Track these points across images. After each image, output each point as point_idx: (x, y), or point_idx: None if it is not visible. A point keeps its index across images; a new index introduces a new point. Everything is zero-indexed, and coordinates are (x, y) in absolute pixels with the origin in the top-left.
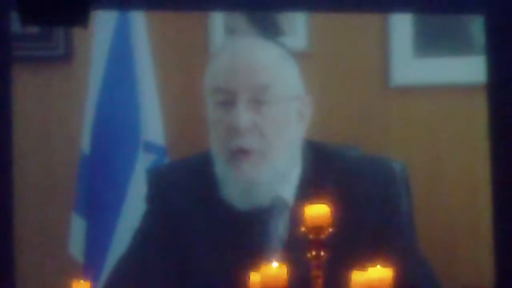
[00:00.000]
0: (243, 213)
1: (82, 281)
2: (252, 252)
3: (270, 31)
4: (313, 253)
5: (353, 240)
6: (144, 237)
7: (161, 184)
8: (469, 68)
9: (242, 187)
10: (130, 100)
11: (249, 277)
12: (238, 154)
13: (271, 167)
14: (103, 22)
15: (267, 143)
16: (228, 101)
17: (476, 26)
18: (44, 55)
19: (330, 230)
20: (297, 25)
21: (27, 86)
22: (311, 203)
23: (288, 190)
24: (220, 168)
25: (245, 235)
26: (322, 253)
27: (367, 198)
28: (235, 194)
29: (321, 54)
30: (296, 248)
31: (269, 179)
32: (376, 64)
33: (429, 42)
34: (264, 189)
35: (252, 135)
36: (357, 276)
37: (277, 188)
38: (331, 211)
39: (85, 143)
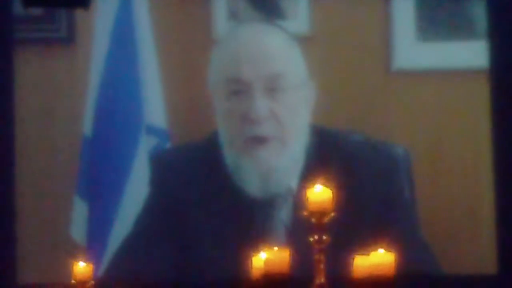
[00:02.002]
0: (249, 199)
1: (84, 263)
2: (255, 236)
3: (272, 15)
4: (316, 237)
5: (355, 225)
6: (147, 220)
7: (164, 168)
8: (472, 53)
9: (261, 174)
10: (133, 83)
11: (252, 260)
12: (255, 141)
13: (288, 153)
14: (106, 4)
15: (284, 129)
16: (243, 90)
17: (478, 10)
18: (47, 37)
19: (333, 214)
20: (299, 9)
21: (29, 68)
22: (313, 187)
23: (292, 176)
24: (233, 156)
25: (249, 221)
26: (324, 237)
27: (369, 183)
28: (253, 182)
29: (323, 38)
30: (299, 233)
31: (287, 165)
32: (379, 48)
33: (431, 26)
34: (282, 175)
35: (270, 123)
36: (360, 260)
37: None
38: (333, 195)
39: (87, 126)
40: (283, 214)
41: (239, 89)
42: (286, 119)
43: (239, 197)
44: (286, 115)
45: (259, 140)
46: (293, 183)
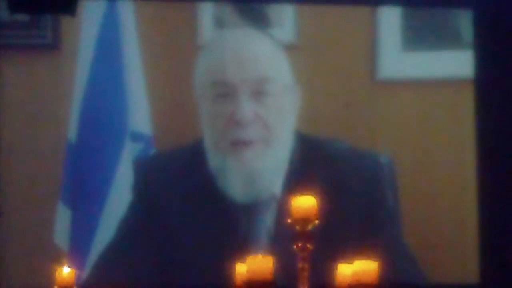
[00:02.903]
0: (233, 205)
1: (67, 269)
2: (239, 243)
3: (258, 23)
4: (300, 245)
5: (339, 233)
6: (130, 226)
7: (148, 174)
8: (457, 62)
9: (245, 177)
10: (118, 89)
11: (235, 267)
12: (240, 144)
13: (273, 157)
14: (91, 11)
15: (270, 133)
16: (228, 93)
17: (464, 20)
18: (32, 43)
19: (316, 222)
20: (285, 17)
21: (14, 74)
22: (297, 195)
23: (276, 182)
24: (217, 160)
25: (232, 226)
26: (308, 245)
27: (353, 191)
28: (236, 185)
29: (309, 46)
30: (282, 240)
31: (271, 168)
32: (364, 57)
33: (417, 36)
34: (266, 178)
35: (255, 126)
36: (343, 268)
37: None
38: (317, 203)
39: (72, 132)
40: (267, 220)
41: (225, 92)
42: (271, 123)
43: (222, 202)
44: (272, 119)
45: (244, 143)
46: (277, 189)
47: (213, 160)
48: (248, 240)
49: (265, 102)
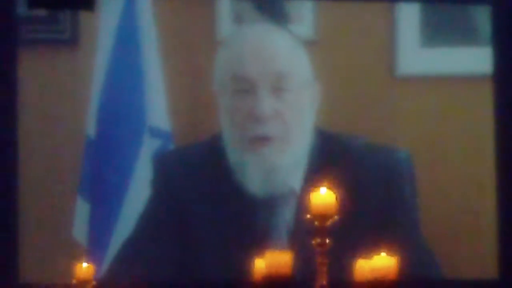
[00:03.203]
0: (252, 200)
1: (85, 264)
2: (258, 238)
3: (277, 18)
4: (318, 240)
5: (358, 228)
6: (149, 222)
7: (167, 170)
8: (476, 59)
9: (264, 172)
10: (136, 85)
11: (254, 263)
12: (259, 141)
13: (292, 153)
14: (110, 6)
15: (288, 129)
16: (248, 89)
17: (483, 16)
18: (51, 39)
19: (336, 217)
20: (304, 13)
21: (33, 69)
22: (317, 191)
23: (295, 178)
24: (237, 154)
25: (252, 222)
26: (327, 240)
27: (372, 187)
28: (255, 180)
29: (328, 42)
30: (302, 234)
31: (290, 164)
32: (383, 54)
33: (436, 32)
34: (285, 174)
35: (274, 122)
36: (362, 263)
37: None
38: (336, 199)
39: (90, 127)
40: (286, 215)
41: (244, 87)
42: (290, 119)
43: (241, 197)
44: (291, 115)
45: (263, 139)
46: (296, 184)
47: (232, 155)
48: (267, 235)
49: (284, 98)
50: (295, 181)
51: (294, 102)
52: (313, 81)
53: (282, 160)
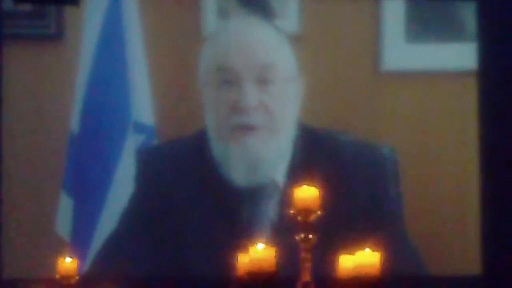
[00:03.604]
0: (236, 193)
1: (68, 259)
2: (241, 233)
3: (262, 13)
4: (302, 235)
5: (341, 224)
6: (132, 217)
7: (150, 165)
8: (461, 55)
9: (248, 163)
10: (121, 80)
11: (237, 258)
12: (243, 130)
13: (276, 143)
14: (95, 1)
15: (273, 120)
16: (233, 80)
17: (468, 12)
18: (35, 34)
19: (319, 213)
20: (289, 8)
21: (17, 64)
22: (300, 186)
23: (279, 172)
24: (220, 146)
25: (235, 215)
26: (310, 236)
27: (356, 183)
28: (239, 172)
29: (312, 37)
30: (285, 229)
31: (274, 155)
32: (367, 49)
33: (421, 28)
34: (269, 165)
35: (259, 112)
36: (345, 259)
37: (274, 168)
38: (320, 194)
39: (74, 122)
40: (270, 209)
41: (229, 78)
42: (275, 110)
43: (225, 190)
44: (275, 106)
45: (247, 128)
46: (279, 177)
47: (216, 147)
48: (251, 228)
49: (268, 90)
50: (278, 174)
51: (278, 94)
52: (297, 74)
53: (266, 150)
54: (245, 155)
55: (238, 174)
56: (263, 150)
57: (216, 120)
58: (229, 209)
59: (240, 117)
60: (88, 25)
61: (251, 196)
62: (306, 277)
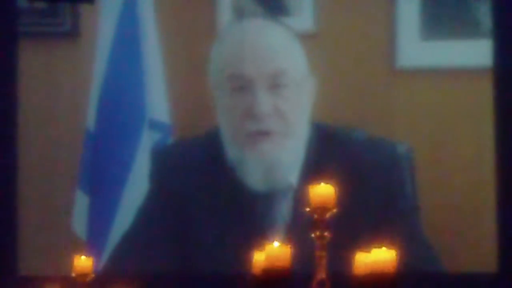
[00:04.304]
0: (250, 194)
1: (84, 257)
2: (256, 231)
3: (277, 11)
4: (317, 233)
5: (357, 222)
6: (147, 215)
7: (165, 164)
8: (476, 52)
9: (264, 169)
10: (136, 78)
11: (253, 256)
12: (259, 136)
13: (291, 147)
14: None
15: (287, 124)
16: (245, 86)
17: (483, 9)
18: (51, 31)
19: (334, 210)
20: (304, 6)
21: (32, 62)
22: (315, 184)
23: (293, 172)
24: (235, 151)
25: (249, 216)
26: (326, 233)
27: (371, 180)
28: (255, 177)
29: (327, 35)
30: (299, 228)
31: (290, 158)
32: (383, 46)
33: (436, 25)
34: (285, 169)
35: (273, 118)
36: (361, 257)
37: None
38: (335, 192)
39: (90, 120)
40: (283, 209)
41: (242, 85)
42: (288, 113)
43: (240, 192)
44: (289, 110)
45: (262, 134)
46: (293, 178)
47: (231, 151)
48: (265, 229)
49: (282, 94)
50: (293, 175)
51: (292, 97)
52: (309, 75)
53: (281, 155)
54: (261, 160)
55: (255, 179)
56: (279, 155)
57: (230, 125)
58: (244, 209)
59: (255, 123)
60: (103, 23)
61: (266, 198)
62: (322, 274)
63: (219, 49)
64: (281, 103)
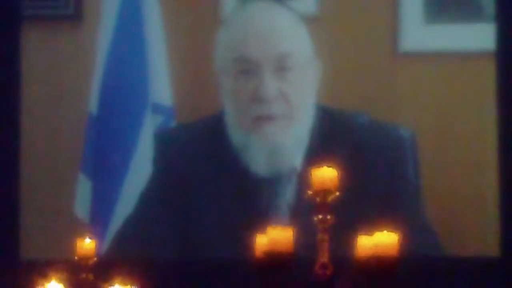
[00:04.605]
0: (254, 178)
1: (88, 240)
2: (259, 215)
3: None
4: (320, 216)
5: (360, 205)
6: (151, 198)
7: (168, 147)
8: (479, 35)
9: (268, 153)
10: (139, 61)
11: (255, 239)
12: (263, 120)
13: (295, 131)
14: None
15: (292, 108)
16: (251, 70)
17: None
18: (54, 14)
19: (337, 193)
20: None
21: (36, 45)
22: (318, 167)
23: (297, 155)
24: (240, 134)
25: (253, 199)
26: (328, 216)
27: (375, 164)
28: (259, 160)
29: (331, 18)
30: (303, 212)
31: (293, 142)
32: (386, 30)
33: (439, 9)
34: (288, 153)
35: (278, 102)
36: (363, 240)
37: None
38: (338, 175)
39: (93, 103)
40: (287, 193)
41: (247, 68)
42: (294, 97)
43: (244, 176)
44: (294, 94)
45: (267, 118)
46: (297, 162)
47: (235, 135)
48: (268, 212)
49: (287, 77)
50: (297, 158)
51: (297, 81)
52: (314, 58)
53: (285, 139)
54: (265, 144)
55: (258, 163)
56: (283, 139)
57: (235, 109)
58: (247, 194)
59: (260, 107)
60: (106, 6)
61: (269, 181)
62: (324, 258)
63: (225, 32)
64: (286, 86)
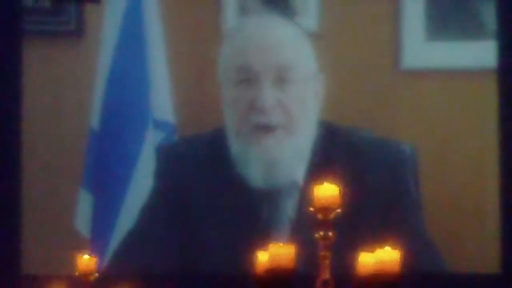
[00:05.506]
0: (254, 192)
1: (88, 255)
2: (260, 231)
3: (283, 11)
4: (321, 233)
5: (361, 221)
6: (152, 213)
7: (170, 161)
8: (480, 53)
9: (266, 165)
10: (141, 77)
11: (257, 256)
12: (261, 130)
13: (294, 144)
14: None
15: (291, 120)
16: (251, 79)
17: (487, 10)
18: (56, 30)
19: (339, 210)
20: (310, 6)
21: (37, 60)
22: (320, 184)
23: (299, 171)
24: (238, 146)
25: (254, 214)
26: (330, 233)
27: (375, 180)
28: (257, 173)
29: (333, 35)
30: (304, 227)
31: (293, 155)
32: (388, 47)
33: (440, 26)
34: (287, 165)
35: (276, 112)
36: (365, 257)
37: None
38: (340, 192)
39: (94, 119)
40: (288, 208)
41: (247, 77)
42: (293, 110)
43: (244, 190)
44: (294, 106)
45: (266, 129)
46: (299, 177)
47: (234, 146)
48: (270, 227)
49: (287, 89)
50: (298, 173)
51: (297, 94)
52: (317, 73)
53: (284, 151)
54: (263, 156)
55: (256, 175)
56: (281, 151)
57: (234, 118)
58: (248, 208)
59: (258, 116)
60: (108, 22)
61: (270, 196)
62: (326, 274)
63: (228, 44)
64: (286, 98)
